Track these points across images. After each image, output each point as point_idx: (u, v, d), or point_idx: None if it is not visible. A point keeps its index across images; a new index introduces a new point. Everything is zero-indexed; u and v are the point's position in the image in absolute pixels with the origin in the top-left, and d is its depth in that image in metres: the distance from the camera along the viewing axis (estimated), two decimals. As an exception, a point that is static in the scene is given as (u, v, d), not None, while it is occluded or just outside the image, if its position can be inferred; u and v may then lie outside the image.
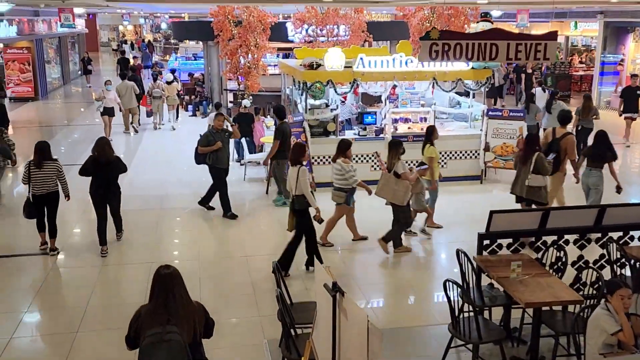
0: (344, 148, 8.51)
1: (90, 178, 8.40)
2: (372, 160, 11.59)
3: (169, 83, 17.86)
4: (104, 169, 8.31)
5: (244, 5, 15.96)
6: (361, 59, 11.28)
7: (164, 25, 57.67)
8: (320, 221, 7.77)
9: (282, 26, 18.54)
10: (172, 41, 39.63)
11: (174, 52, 33.23)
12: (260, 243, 9.14)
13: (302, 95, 11.66)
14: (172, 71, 20.94)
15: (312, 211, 7.67)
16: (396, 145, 8.45)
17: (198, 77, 21.63)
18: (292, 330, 5.16)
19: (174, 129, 17.64)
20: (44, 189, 8.22)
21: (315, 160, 11.47)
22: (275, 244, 8.91)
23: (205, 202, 10.38)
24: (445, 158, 11.83)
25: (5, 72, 22.51)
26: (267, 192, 11.42)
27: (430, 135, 9.18)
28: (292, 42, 18.71)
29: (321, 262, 7.75)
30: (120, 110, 16.71)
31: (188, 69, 26.79)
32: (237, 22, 16.20)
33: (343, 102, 12.38)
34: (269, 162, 10.73)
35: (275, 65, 21.74)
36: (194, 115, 20.03)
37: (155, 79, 18.01)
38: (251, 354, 6.08)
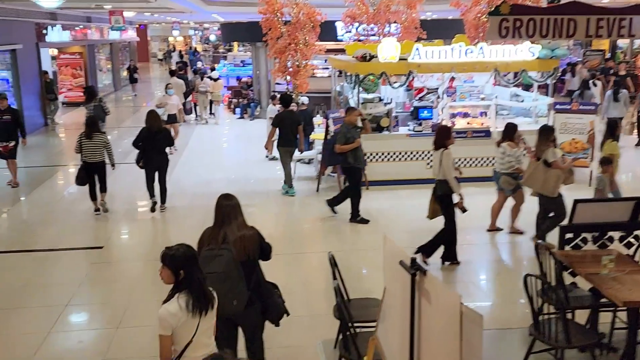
0: (510, 132, 8.19)
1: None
2: (428, 158, 10.92)
3: (215, 80, 18.62)
4: (155, 137, 9.27)
5: (292, 3, 15.53)
6: (417, 49, 10.66)
7: (212, 37, 58.39)
8: (464, 210, 7.16)
9: (331, 25, 18.06)
10: (221, 50, 40.14)
11: (222, 60, 33.56)
12: (311, 240, 8.61)
13: (353, 88, 11.10)
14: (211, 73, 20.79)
15: (454, 198, 7.16)
16: (547, 131, 7.75)
17: (246, 81, 21.42)
18: (351, 328, 4.57)
19: (216, 124, 18.66)
20: (93, 157, 9.32)
21: (369, 158, 10.87)
22: (328, 241, 8.37)
23: (335, 203, 9.35)
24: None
25: (59, 77, 22.82)
26: (317, 190, 10.87)
27: (613, 130, 8.43)
28: (341, 41, 18.23)
29: (454, 259, 7.31)
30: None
31: (236, 75, 26.85)
32: (286, 21, 15.79)
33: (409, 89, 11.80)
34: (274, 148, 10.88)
35: (324, 68, 21.39)
36: (242, 117, 19.74)
37: (202, 77, 18.73)
38: (304, 355, 5.51)
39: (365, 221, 9.03)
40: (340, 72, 13.12)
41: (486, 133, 10.98)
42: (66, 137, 17.26)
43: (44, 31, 19.11)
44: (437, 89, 11.49)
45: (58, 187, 11.84)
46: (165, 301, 3.55)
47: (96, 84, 25.12)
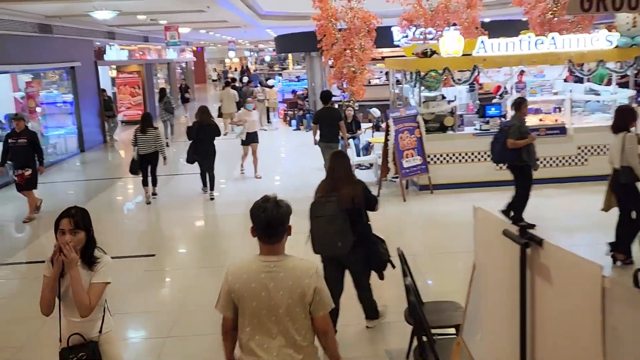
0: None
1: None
2: (497, 158, 10.14)
3: (270, 87, 20.03)
4: (205, 129, 10.37)
5: (347, 8, 15.10)
6: (482, 42, 9.97)
7: (267, 58, 59.10)
8: None
9: (387, 31, 17.53)
10: (276, 69, 40.38)
11: (277, 76, 33.75)
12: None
13: (414, 86, 10.47)
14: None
15: None
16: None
17: (302, 93, 21.15)
18: (425, 332, 3.92)
19: (275, 130, 19.49)
20: (147, 149, 10.26)
21: (432, 159, 10.19)
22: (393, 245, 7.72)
23: (510, 211, 8.13)
24: (586, 154, 10.14)
25: (118, 96, 23.17)
26: (378, 195, 10.24)
27: None
28: (397, 47, 17.66)
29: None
30: (220, 115, 18.10)
31: (291, 89, 26.83)
32: (340, 29, 15.36)
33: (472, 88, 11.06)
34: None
35: (378, 79, 20.87)
36: (298, 129, 19.38)
37: (260, 83, 20.06)
38: (371, 366, 4.89)
39: (531, 226, 7.64)
40: (399, 81, 12.63)
41: (561, 130, 10.12)
42: (124, 152, 17.32)
43: (103, 49, 19.41)
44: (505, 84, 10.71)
45: (113, 198, 11.71)
46: None
47: (154, 103, 25.45)
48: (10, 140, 9.44)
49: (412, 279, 4.38)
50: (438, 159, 10.21)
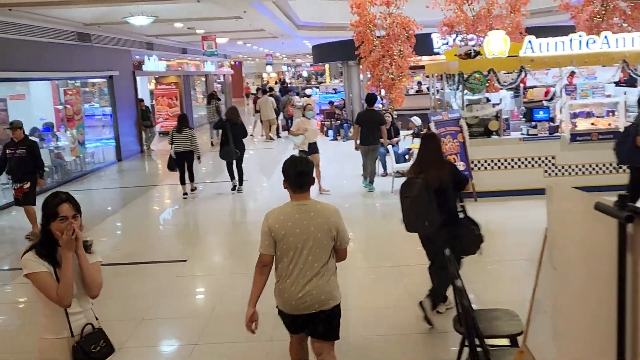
0: None
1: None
2: (546, 165, 9.60)
3: (308, 96, 20.73)
4: (233, 128, 11.13)
5: (385, 13, 14.78)
6: (529, 42, 9.47)
7: (304, 73, 59.31)
8: None
9: (427, 38, 17.15)
10: (313, 83, 40.40)
11: (314, 89, 33.77)
12: (417, 253, 7.55)
13: (457, 89, 10.02)
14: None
15: None
16: None
17: (339, 104, 20.88)
18: (478, 340, 3.48)
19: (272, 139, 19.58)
20: (182, 147, 10.96)
21: (475, 165, 9.70)
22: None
23: None
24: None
25: (156, 107, 23.30)
26: (418, 203, 9.78)
27: None
28: (437, 54, 17.24)
29: None
30: (261, 121, 19.03)
31: (328, 101, 26.71)
32: (378, 36, 15.03)
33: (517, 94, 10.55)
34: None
35: (417, 91, 20.43)
36: (335, 139, 19.05)
37: (297, 94, 20.52)
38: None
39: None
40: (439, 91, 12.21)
41: (615, 135, 9.50)
42: (160, 162, 17.29)
43: (141, 60, 19.53)
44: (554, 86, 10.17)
45: (147, 205, 11.55)
46: None
47: (191, 115, 25.53)
48: (8, 151, 8.64)
49: (462, 285, 3.96)
50: (482, 165, 9.71)
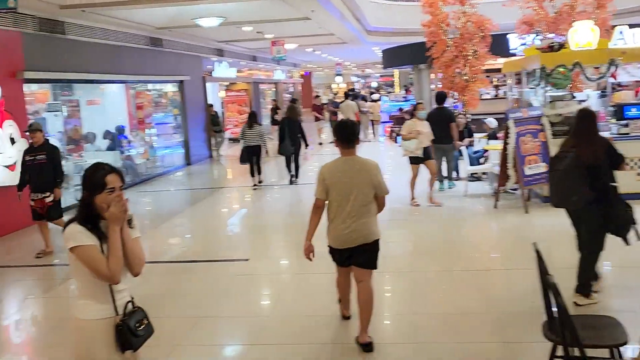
0: None
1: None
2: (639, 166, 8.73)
3: (374, 101, 21.20)
4: (292, 124, 12.26)
5: (459, 12, 14.17)
6: (621, 32, 8.70)
7: (374, 84, 59.10)
8: None
9: (503, 38, 16.36)
10: (382, 93, 40.06)
11: (383, 97, 33.54)
12: (491, 257, 6.96)
13: (538, 85, 9.32)
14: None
15: None
16: None
17: (408, 110, 20.35)
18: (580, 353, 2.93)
19: (368, 142, 19.72)
20: (252, 142, 12.02)
21: (559, 167, 8.95)
22: (514, 259, 6.68)
23: None
24: None
25: (225, 114, 23.51)
26: (495, 207, 9.13)
27: None
28: (514, 55, 16.39)
29: None
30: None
31: (397, 108, 26.35)
32: (452, 32, 14.42)
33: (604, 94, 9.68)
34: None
35: (494, 97, 19.58)
36: (404, 145, 18.46)
37: (364, 99, 20.82)
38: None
39: None
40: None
41: None
42: (229, 166, 17.29)
43: (211, 66, 19.74)
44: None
45: (213, 205, 11.47)
46: None
47: (261, 121, 25.62)
48: (27, 158, 7.66)
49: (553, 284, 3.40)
50: (566, 166, 8.95)
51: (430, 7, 14.26)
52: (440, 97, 10.87)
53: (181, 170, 16.09)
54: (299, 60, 33.75)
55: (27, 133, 7.81)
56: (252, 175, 12.24)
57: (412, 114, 9.57)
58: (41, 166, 7.54)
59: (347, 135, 4.57)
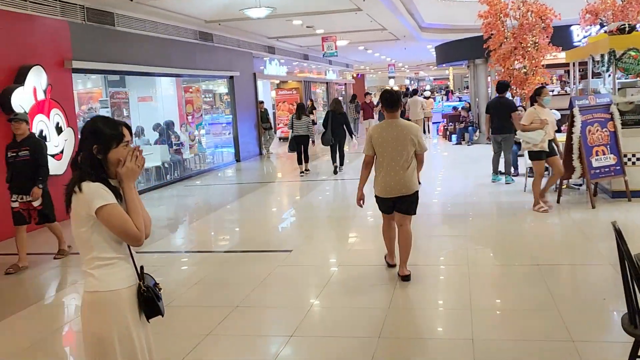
0: None
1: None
2: None
3: (426, 98, 21.51)
4: (336, 117, 12.76)
5: (519, 1, 13.47)
6: (702, 11, 7.87)
7: (427, 88, 58.31)
8: None
9: (565, 30, 15.50)
10: (436, 94, 39.40)
11: (437, 97, 33.05)
12: (557, 252, 6.37)
13: (607, 71, 8.62)
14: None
15: None
16: None
17: (464, 106, 19.66)
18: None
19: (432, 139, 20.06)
20: (300, 131, 12.95)
21: (630, 159, 8.23)
22: (580, 254, 6.08)
23: None
24: None
25: (276, 112, 23.37)
26: (558, 202, 8.47)
27: None
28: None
29: None
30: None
31: (451, 107, 25.85)
32: (510, 25, 13.73)
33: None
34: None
35: (557, 91, 18.62)
36: (459, 143, 17.79)
37: (412, 96, 20.07)
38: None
39: None
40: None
41: None
42: (278, 163, 17.06)
43: (262, 65, 19.61)
44: None
45: (259, 198, 11.19)
46: None
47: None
48: (9, 154, 6.58)
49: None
50: (638, 158, 8.22)
51: (488, -4, 13.60)
52: (501, 86, 10.54)
53: (230, 167, 15.96)
54: (351, 60, 33.37)
55: (11, 121, 6.60)
56: (300, 163, 13.11)
57: (534, 100, 8.09)
58: (24, 163, 6.46)
59: (391, 101, 5.32)
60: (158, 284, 2.70)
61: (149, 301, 2.58)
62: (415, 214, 5.42)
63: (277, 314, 5.07)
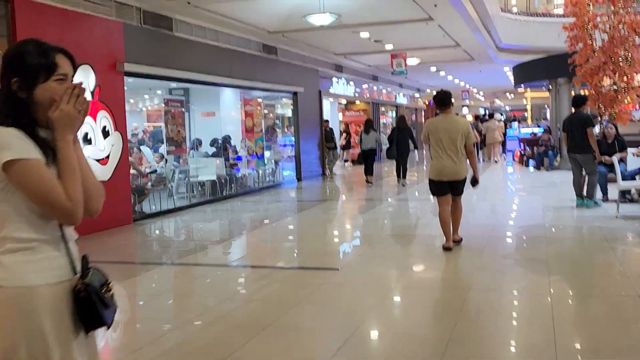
0: None
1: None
2: None
3: (498, 121, 20.64)
4: (402, 132, 13.38)
5: (609, 12, 12.23)
6: None
7: (503, 117, 56.54)
8: None
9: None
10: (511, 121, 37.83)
11: (514, 122, 31.85)
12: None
13: None
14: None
15: None
16: None
17: (545, 128, 18.33)
18: None
19: (496, 162, 19.69)
20: (368, 146, 13.75)
21: None
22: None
23: None
24: None
25: (351, 133, 22.69)
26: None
27: None
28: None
29: None
30: (484, 144, 20.28)
31: (530, 132, 24.70)
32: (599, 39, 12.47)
33: None
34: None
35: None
36: (537, 169, 16.39)
37: (482, 121, 20.50)
38: None
39: None
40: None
41: None
42: (341, 184, 16.27)
43: (328, 82, 19.05)
44: None
45: (314, 215, 10.36)
46: None
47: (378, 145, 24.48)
48: None
49: None
50: None
51: (575, 7, 12.45)
52: (578, 100, 9.60)
53: (289, 185, 15.29)
54: (422, 85, 32.39)
55: None
56: (366, 174, 13.87)
57: None
58: None
59: (443, 99, 6.36)
60: (109, 283, 1.88)
61: (86, 304, 1.77)
62: (462, 193, 6.48)
63: (314, 336, 4.20)
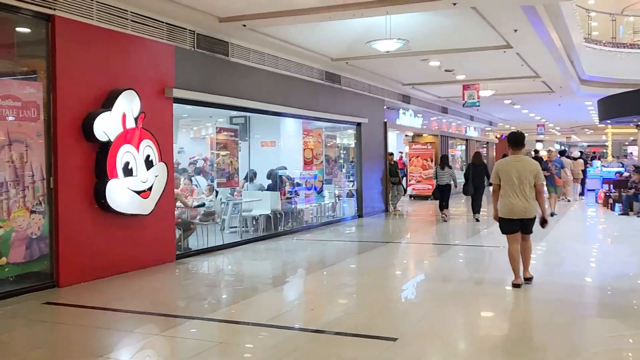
0: None
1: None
2: None
3: (574, 159, 19.78)
4: (477, 168, 13.55)
5: None
6: None
7: (578, 153, 53.67)
8: None
9: None
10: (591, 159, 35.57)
11: (595, 161, 29.97)
12: None
13: None
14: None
15: None
16: None
17: (635, 166, 16.60)
18: None
19: (569, 201, 18.53)
20: (444, 181, 13.89)
21: None
22: None
23: None
24: None
25: (409, 168, 21.60)
26: None
27: None
28: None
29: None
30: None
31: (614, 172, 22.94)
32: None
33: None
34: None
35: None
36: (625, 214, 14.73)
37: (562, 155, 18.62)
38: None
39: None
40: None
41: None
42: (405, 222, 15.15)
43: (395, 114, 18.11)
44: None
45: (372, 262, 9.22)
46: None
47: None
48: None
49: None
50: None
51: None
52: None
53: (350, 222, 14.31)
54: (495, 118, 30.90)
55: None
56: (441, 209, 13.88)
57: None
58: None
59: (516, 140, 6.69)
60: None
61: None
62: (532, 232, 6.70)
63: None
